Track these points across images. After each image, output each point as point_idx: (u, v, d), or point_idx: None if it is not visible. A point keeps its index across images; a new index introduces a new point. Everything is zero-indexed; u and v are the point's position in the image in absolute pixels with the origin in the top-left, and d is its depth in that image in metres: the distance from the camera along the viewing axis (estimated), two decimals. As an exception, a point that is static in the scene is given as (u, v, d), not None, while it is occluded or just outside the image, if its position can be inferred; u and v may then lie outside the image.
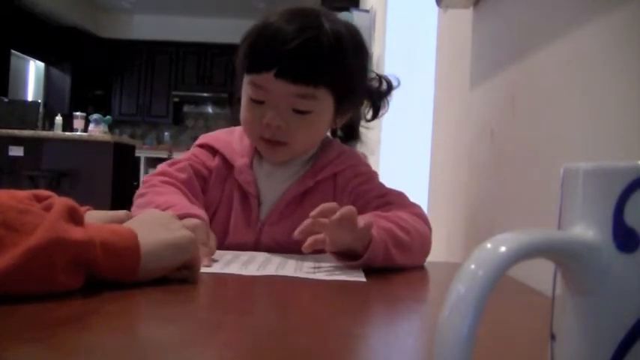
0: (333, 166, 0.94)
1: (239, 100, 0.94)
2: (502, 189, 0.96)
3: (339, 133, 1.03)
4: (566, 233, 0.24)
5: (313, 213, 0.71)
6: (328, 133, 1.01)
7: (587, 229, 0.23)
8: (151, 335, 0.44)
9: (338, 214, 0.70)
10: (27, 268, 0.45)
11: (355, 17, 3.09)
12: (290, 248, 0.86)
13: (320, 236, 0.73)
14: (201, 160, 0.96)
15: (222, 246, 0.87)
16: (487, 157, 1.05)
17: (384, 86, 0.98)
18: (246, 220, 0.93)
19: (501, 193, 0.96)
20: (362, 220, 0.72)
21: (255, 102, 0.88)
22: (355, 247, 0.74)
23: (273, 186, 0.94)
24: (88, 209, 0.71)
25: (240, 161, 0.94)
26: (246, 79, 0.88)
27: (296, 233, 0.72)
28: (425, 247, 0.85)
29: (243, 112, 0.91)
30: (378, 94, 0.98)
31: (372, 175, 0.97)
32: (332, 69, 0.85)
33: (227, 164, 0.95)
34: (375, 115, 0.99)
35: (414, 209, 0.88)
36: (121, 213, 0.74)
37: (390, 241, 0.75)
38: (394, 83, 0.99)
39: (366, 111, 1.00)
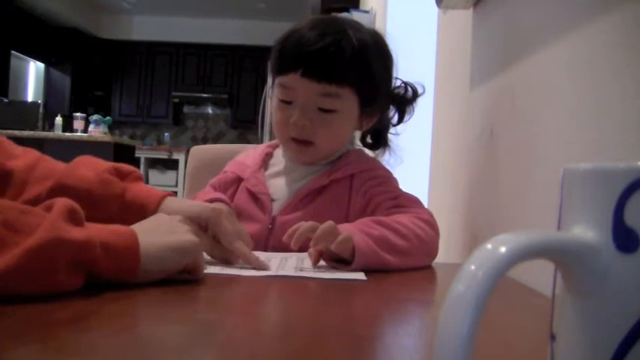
0: (351, 167, 0.97)
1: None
2: (502, 189, 0.96)
3: (368, 139, 1.06)
4: (566, 234, 0.24)
5: (285, 236, 0.74)
6: (358, 142, 1.06)
7: (587, 230, 0.23)
8: (152, 336, 0.44)
9: (317, 232, 0.72)
10: (27, 268, 0.45)
11: (355, 18, 3.08)
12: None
13: (319, 247, 0.76)
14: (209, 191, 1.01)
15: None
16: (487, 157, 1.05)
17: (410, 93, 1.02)
18: (260, 211, 0.96)
19: (501, 194, 0.96)
20: (344, 231, 0.74)
21: (284, 102, 0.94)
22: (345, 257, 0.74)
23: (288, 184, 0.98)
24: (168, 194, 0.74)
25: (248, 171, 1.01)
26: (276, 82, 0.95)
27: (292, 244, 0.74)
28: (429, 250, 0.85)
29: (274, 114, 0.97)
30: (403, 100, 1.02)
31: (389, 179, 0.98)
32: (354, 69, 0.90)
33: (237, 177, 1.02)
34: (400, 120, 1.03)
35: (420, 215, 0.88)
36: (209, 208, 0.75)
37: (382, 247, 0.75)
38: (419, 90, 1.02)
39: (392, 117, 1.03)
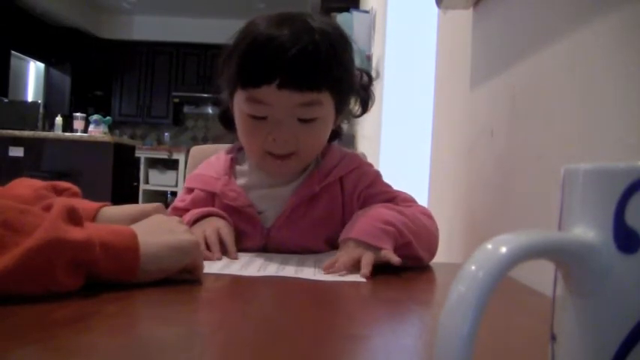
0: (339, 169, 0.92)
1: (224, 113, 0.92)
2: (502, 189, 0.96)
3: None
4: (567, 234, 0.24)
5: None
6: None
7: (588, 230, 0.23)
8: (151, 336, 0.44)
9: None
10: (26, 268, 0.45)
11: (355, 18, 3.09)
12: (299, 252, 0.86)
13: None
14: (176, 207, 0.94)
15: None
16: (487, 157, 1.05)
17: (365, 79, 0.95)
18: (252, 228, 0.90)
19: (501, 194, 0.96)
20: (359, 232, 0.76)
21: (256, 118, 0.83)
22: (364, 253, 0.73)
23: (270, 193, 0.91)
24: (104, 205, 0.72)
25: (218, 184, 0.91)
26: (242, 96, 0.82)
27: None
28: (432, 246, 0.85)
29: (243, 132, 0.86)
30: (363, 88, 0.94)
31: (378, 177, 0.95)
32: (332, 69, 0.81)
33: (208, 193, 0.92)
34: (364, 110, 0.95)
35: (424, 211, 0.88)
36: (151, 206, 0.73)
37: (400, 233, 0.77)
38: (372, 74, 0.97)
39: (354, 107, 0.95)
